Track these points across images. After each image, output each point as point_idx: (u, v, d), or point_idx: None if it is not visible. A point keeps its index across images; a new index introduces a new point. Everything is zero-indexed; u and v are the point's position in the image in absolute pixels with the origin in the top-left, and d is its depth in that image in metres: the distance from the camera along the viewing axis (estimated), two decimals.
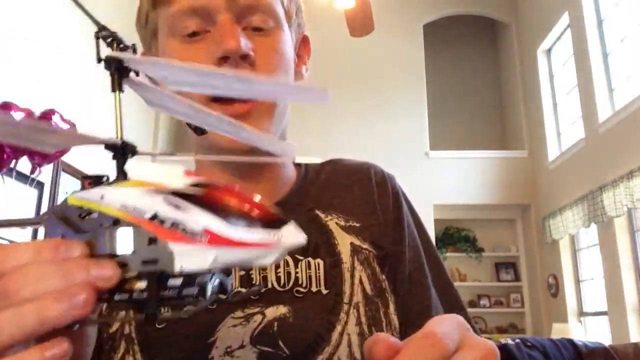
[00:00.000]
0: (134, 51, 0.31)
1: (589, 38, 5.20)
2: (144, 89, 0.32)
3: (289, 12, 0.61)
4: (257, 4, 0.56)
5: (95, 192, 0.30)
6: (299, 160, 0.69)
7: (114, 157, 0.32)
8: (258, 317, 0.54)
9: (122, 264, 0.29)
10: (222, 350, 0.53)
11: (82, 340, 0.35)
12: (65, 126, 2.65)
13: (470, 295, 6.50)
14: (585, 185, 5.10)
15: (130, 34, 0.62)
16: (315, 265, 0.58)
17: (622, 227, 4.71)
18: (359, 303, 0.57)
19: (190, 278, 0.29)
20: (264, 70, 0.55)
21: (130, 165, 0.31)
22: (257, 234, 0.28)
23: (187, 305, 0.30)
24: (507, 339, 2.29)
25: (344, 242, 0.60)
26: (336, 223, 0.61)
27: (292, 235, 0.29)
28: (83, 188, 0.31)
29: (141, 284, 0.29)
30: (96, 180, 0.31)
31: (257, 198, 0.30)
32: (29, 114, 2.52)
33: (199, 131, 0.35)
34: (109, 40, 0.31)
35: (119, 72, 0.31)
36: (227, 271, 0.32)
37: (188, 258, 0.28)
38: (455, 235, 6.67)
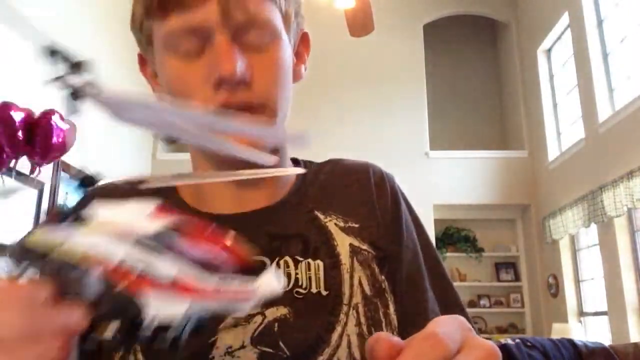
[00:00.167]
0: (79, 67, 0.30)
1: (589, 38, 5.20)
2: (113, 106, 0.30)
3: (288, 16, 0.60)
4: (253, 20, 0.54)
5: (62, 231, 0.29)
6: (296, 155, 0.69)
7: (80, 187, 0.31)
8: (258, 318, 0.54)
9: (91, 308, 0.28)
10: (222, 351, 0.53)
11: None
12: (65, 126, 2.65)
13: (470, 295, 6.50)
14: (585, 185, 5.10)
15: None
16: (315, 267, 0.58)
17: (622, 227, 4.71)
18: (358, 304, 0.57)
19: (162, 330, 0.28)
20: (259, 88, 0.55)
21: (99, 205, 0.30)
22: (231, 284, 0.27)
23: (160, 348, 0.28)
24: (507, 339, 2.29)
25: (343, 243, 0.60)
26: (335, 224, 0.61)
27: (269, 284, 0.28)
28: (48, 221, 0.30)
29: (110, 332, 0.28)
30: (62, 215, 0.30)
31: (230, 241, 0.28)
32: (29, 114, 2.52)
33: (170, 141, 0.34)
34: (61, 57, 0.30)
35: (71, 95, 0.30)
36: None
37: (160, 307, 0.27)
38: (455, 235, 6.67)
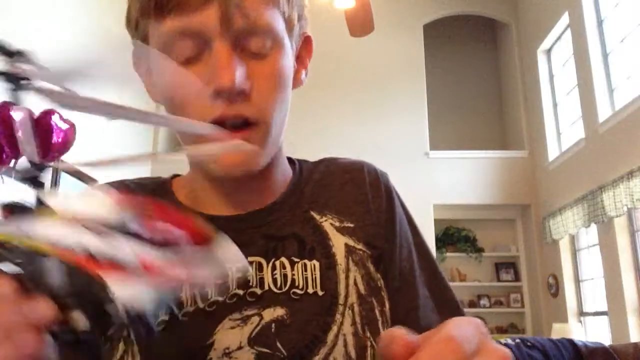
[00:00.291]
0: (19, 55, 0.30)
1: (589, 38, 5.20)
2: (50, 94, 0.30)
3: (290, 21, 0.58)
4: (254, 26, 0.52)
5: (20, 225, 0.29)
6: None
7: (27, 180, 0.31)
8: (255, 319, 0.54)
9: (57, 300, 0.28)
10: (220, 352, 0.53)
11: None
12: (65, 126, 2.65)
13: (470, 295, 6.50)
14: (585, 185, 5.10)
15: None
16: (311, 267, 0.58)
17: (622, 227, 4.71)
18: (354, 304, 0.57)
19: (133, 311, 0.27)
20: (258, 100, 0.53)
21: (55, 195, 0.30)
22: (194, 261, 0.27)
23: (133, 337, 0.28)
24: (507, 339, 2.29)
25: (339, 243, 0.60)
26: (331, 224, 0.61)
27: (232, 260, 0.28)
28: (4, 216, 0.30)
29: (82, 322, 0.28)
30: (17, 210, 0.30)
31: (191, 218, 0.28)
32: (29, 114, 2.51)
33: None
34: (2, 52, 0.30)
35: (9, 85, 0.30)
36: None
37: (127, 292, 0.27)
38: (455, 235, 6.67)
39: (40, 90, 0.30)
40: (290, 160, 0.68)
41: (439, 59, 7.20)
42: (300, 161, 0.69)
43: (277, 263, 0.57)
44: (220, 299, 0.55)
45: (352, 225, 0.62)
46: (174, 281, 0.27)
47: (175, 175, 0.67)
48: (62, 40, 3.80)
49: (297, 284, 0.57)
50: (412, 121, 6.48)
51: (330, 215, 0.62)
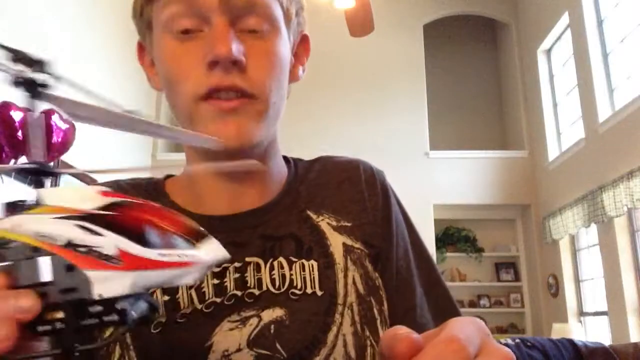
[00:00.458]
0: (43, 66, 0.31)
1: (589, 38, 5.20)
2: (61, 103, 0.31)
3: (288, 13, 0.59)
4: (252, 6, 0.54)
5: (11, 220, 0.29)
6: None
7: (30, 182, 0.31)
8: (254, 320, 0.54)
9: (43, 293, 0.28)
10: (219, 354, 0.52)
11: None
12: (65, 126, 2.65)
13: (470, 295, 6.50)
14: (585, 185, 5.10)
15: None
16: (309, 267, 0.58)
17: (622, 227, 4.71)
18: (353, 303, 0.57)
19: (110, 304, 0.28)
20: (254, 75, 0.54)
21: (45, 189, 0.30)
22: (175, 253, 0.27)
23: (107, 332, 0.29)
24: (507, 339, 2.29)
25: (336, 243, 0.60)
26: (328, 223, 0.61)
27: (212, 250, 0.28)
28: (5, 213, 0.30)
29: (61, 314, 0.28)
30: (14, 207, 0.30)
31: (176, 214, 0.29)
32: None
33: None
34: (23, 61, 0.30)
35: (28, 92, 0.30)
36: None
37: (106, 284, 0.27)
38: (455, 235, 6.66)
39: (56, 100, 0.30)
40: (285, 159, 0.68)
41: (439, 59, 7.20)
42: (296, 160, 0.69)
43: (275, 263, 0.57)
44: (218, 300, 0.55)
45: (349, 224, 0.61)
46: (152, 271, 0.27)
47: (169, 176, 0.66)
48: (62, 40, 3.80)
49: (295, 284, 0.56)
50: (412, 121, 6.48)
51: (327, 214, 0.62)
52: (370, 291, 0.59)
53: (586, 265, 5.59)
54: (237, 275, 0.56)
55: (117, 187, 0.62)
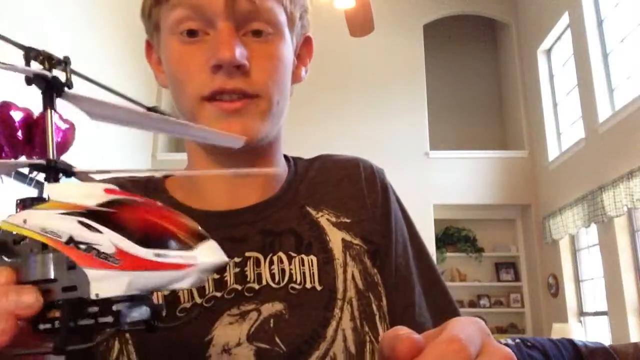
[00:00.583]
0: (66, 64, 0.31)
1: (589, 38, 5.20)
2: (83, 101, 0.31)
3: (292, 17, 0.61)
4: (257, 11, 0.55)
5: (21, 215, 0.29)
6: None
7: (45, 179, 0.31)
8: (254, 315, 0.54)
9: (45, 290, 0.28)
10: (219, 348, 0.53)
11: None
12: (65, 126, 2.65)
13: (470, 295, 6.50)
14: (585, 185, 5.10)
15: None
16: (308, 262, 0.58)
17: (622, 227, 4.71)
18: (352, 298, 0.57)
19: (107, 305, 0.27)
20: (257, 77, 0.55)
21: (53, 184, 0.30)
22: (173, 254, 0.27)
23: (101, 334, 0.28)
24: (507, 339, 2.29)
25: (336, 239, 0.60)
26: (327, 219, 0.62)
27: (211, 254, 0.28)
28: (17, 209, 0.30)
29: (60, 313, 0.28)
30: (26, 203, 0.30)
31: (178, 214, 0.28)
32: (29, 113, 2.51)
33: None
34: (40, 58, 0.30)
35: (50, 91, 0.30)
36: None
37: (103, 283, 0.27)
38: (455, 235, 6.67)
39: (76, 98, 0.30)
40: (285, 157, 0.69)
41: (439, 59, 7.19)
42: (295, 158, 0.70)
43: (275, 258, 0.58)
44: (218, 294, 0.55)
45: (348, 220, 0.62)
46: (147, 272, 0.27)
47: (168, 176, 0.67)
48: (62, 40, 3.80)
49: (294, 278, 0.57)
50: (412, 121, 6.48)
51: (327, 210, 0.63)
52: (369, 287, 0.59)
53: (586, 265, 5.59)
54: (237, 270, 0.57)
55: (116, 184, 0.63)
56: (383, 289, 0.60)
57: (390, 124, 6.38)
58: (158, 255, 0.27)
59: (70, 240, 0.27)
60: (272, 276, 0.57)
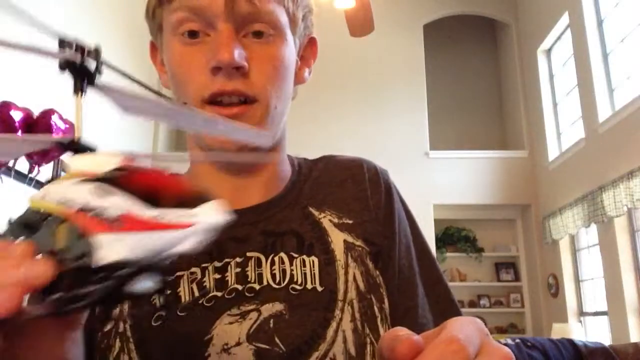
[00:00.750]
0: (98, 54, 0.31)
1: (589, 38, 5.20)
2: (115, 93, 0.31)
3: (294, 18, 0.60)
4: (257, 12, 0.55)
5: (43, 190, 0.30)
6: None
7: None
8: (254, 315, 0.54)
9: (60, 260, 0.28)
10: (218, 348, 0.53)
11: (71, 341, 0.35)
12: (65, 126, 2.65)
13: (470, 295, 6.50)
14: (585, 185, 5.10)
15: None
16: (310, 263, 0.58)
17: (622, 227, 4.71)
18: (353, 300, 0.57)
19: (111, 270, 0.28)
20: (256, 79, 0.56)
21: (71, 157, 0.31)
22: (173, 214, 0.27)
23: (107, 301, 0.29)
24: (507, 339, 2.29)
25: (338, 240, 0.60)
26: (329, 220, 0.62)
27: (211, 213, 0.28)
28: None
29: (68, 281, 0.28)
30: (51, 181, 0.31)
31: (180, 177, 0.29)
32: (28, 113, 2.51)
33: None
34: (73, 47, 0.30)
35: (81, 78, 0.30)
36: (164, 270, 0.30)
37: (107, 248, 0.27)
38: (455, 235, 6.67)
39: (106, 89, 0.31)
40: (288, 158, 0.69)
41: (439, 59, 7.20)
42: (299, 159, 0.70)
43: (276, 258, 0.58)
44: (219, 294, 0.55)
45: (351, 221, 0.62)
46: (149, 232, 0.27)
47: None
48: None
49: (295, 279, 0.57)
50: (412, 121, 6.48)
51: (329, 211, 0.62)
52: (370, 289, 0.59)
53: (586, 265, 5.59)
54: (238, 269, 0.57)
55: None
56: (385, 290, 0.60)
57: (390, 124, 6.38)
58: (159, 215, 0.27)
59: (84, 208, 0.28)
60: (273, 276, 0.57)
